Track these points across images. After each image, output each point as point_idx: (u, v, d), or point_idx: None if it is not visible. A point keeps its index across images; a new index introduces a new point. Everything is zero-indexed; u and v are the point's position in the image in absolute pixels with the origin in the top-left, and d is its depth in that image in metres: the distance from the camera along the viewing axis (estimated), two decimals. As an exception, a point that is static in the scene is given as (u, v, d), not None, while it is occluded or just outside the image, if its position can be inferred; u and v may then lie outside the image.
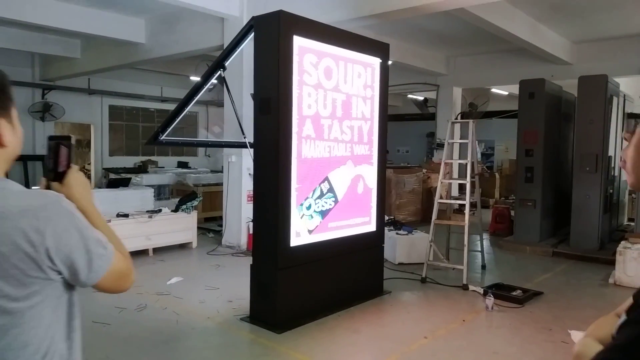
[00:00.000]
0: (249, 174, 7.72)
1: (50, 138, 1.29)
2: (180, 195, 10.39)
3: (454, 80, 12.82)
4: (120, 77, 14.12)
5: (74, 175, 1.26)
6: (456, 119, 13.36)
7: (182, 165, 15.58)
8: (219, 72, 5.27)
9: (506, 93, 15.71)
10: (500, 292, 5.57)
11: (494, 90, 14.48)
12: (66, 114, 13.40)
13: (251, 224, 7.60)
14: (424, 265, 6.20)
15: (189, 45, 8.69)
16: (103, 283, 1.18)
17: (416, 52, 11.49)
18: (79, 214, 1.16)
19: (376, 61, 5.39)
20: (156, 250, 7.31)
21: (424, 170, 11.73)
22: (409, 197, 10.94)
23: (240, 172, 7.72)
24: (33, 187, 1.38)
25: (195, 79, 13.28)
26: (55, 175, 1.27)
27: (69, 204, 1.15)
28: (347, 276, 5.15)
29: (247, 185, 7.73)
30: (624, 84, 9.42)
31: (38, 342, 1.10)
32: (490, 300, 5.13)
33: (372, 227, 5.49)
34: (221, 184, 10.97)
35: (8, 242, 1.03)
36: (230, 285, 5.88)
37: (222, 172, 13.35)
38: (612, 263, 7.23)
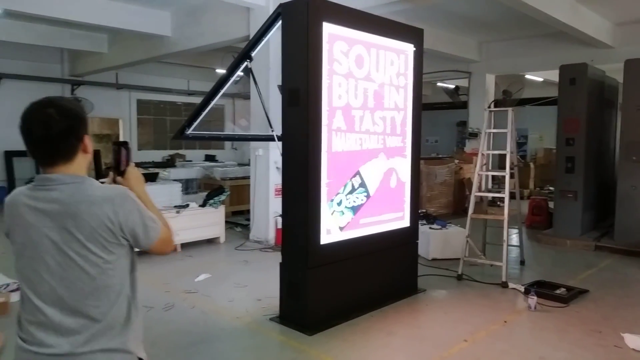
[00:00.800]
0: (277, 168, 7.56)
1: (114, 143, 1.82)
2: (208, 189, 10.31)
3: (486, 66, 12.35)
4: (147, 71, 14.15)
5: (132, 171, 1.83)
6: (489, 106, 12.90)
7: (210, 158, 15.57)
8: (246, 63, 5.07)
9: (541, 79, 15.10)
10: (543, 290, 5.27)
11: (528, 76, 13.92)
12: (95, 109, 13.50)
13: (279, 219, 7.49)
14: (459, 262, 5.92)
15: (215, 37, 8.54)
16: (155, 247, 1.72)
17: (447, 38, 11.09)
18: (138, 200, 1.68)
19: (409, 48, 5.11)
20: (184, 245, 7.23)
21: (456, 161, 11.36)
22: (440, 189, 10.61)
23: (267, 166, 7.56)
24: (101, 180, 1.77)
25: (222, 71, 13.18)
26: (118, 172, 1.81)
27: (132, 194, 1.68)
28: (380, 274, 4.93)
29: (275, 179, 7.58)
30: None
31: (114, 285, 1.64)
32: (533, 299, 4.84)
33: (405, 222, 5.24)
34: (248, 177, 10.86)
35: (97, 220, 1.58)
36: (259, 282, 5.73)
37: (249, 165, 13.32)
38: (661, 258, 6.87)
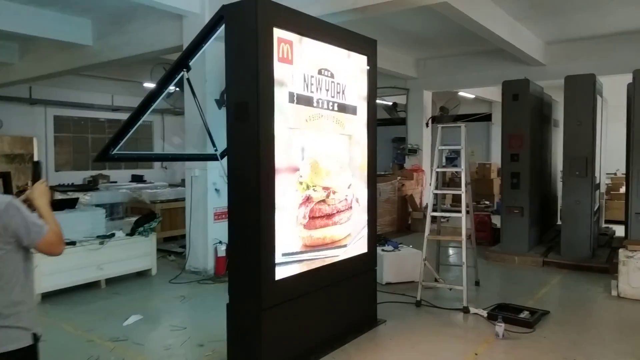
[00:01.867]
0: (216, 190, 6.91)
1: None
2: (136, 214, 9.39)
3: (424, 83, 12.38)
4: (66, 85, 12.94)
5: (37, 187, 2.35)
6: (427, 123, 12.98)
7: (137, 179, 14.46)
8: (182, 73, 4.45)
9: (473, 96, 15.50)
10: (506, 314, 5.00)
11: (461, 93, 14.20)
12: (4, 126, 12.10)
13: (219, 246, 6.83)
14: (415, 285, 5.57)
15: (143, 46, 7.79)
16: (40, 247, 2.18)
17: (386, 55, 10.93)
18: (23, 207, 2.18)
19: (363, 60, 4.74)
20: (110, 281, 6.35)
21: (398, 178, 11.19)
22: (384, 207, 10.35)
23: (205, 187, 6.88)
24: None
25: (150, 85, 12.28)
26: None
27: (18, 203, 2.17)
28: (339, 308, 4.44)
29: (214, 202, 6.93)
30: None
31: (7, 273, 2.15)
32: (500, 326, 4.53)
33: (363, 247, 4.80)
34: (181, 200, 10.04)
35: None
36: (200, 323, 5.05)
37: (181, 186, 12.42)
38: (605, 271, 6.92)
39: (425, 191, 12.70)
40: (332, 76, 4.30)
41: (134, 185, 11.88)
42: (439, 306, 5.46)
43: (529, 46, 9.47)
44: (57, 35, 8.16)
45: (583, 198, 7.17)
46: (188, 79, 4.58)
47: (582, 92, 7.10)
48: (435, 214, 5.77)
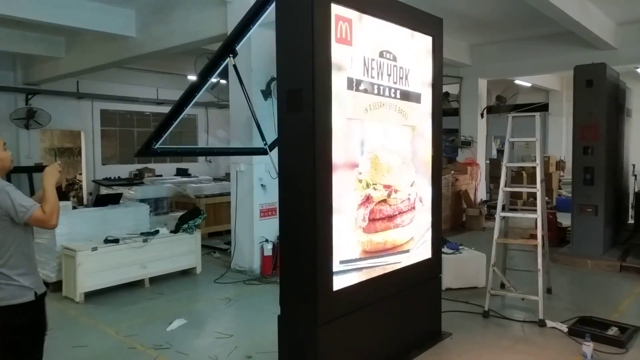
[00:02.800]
0: (262, 186, 6.54)
1: None
2: (180, 209, 9.21)
3: (479, 71, 11.62)
4: (112, 79, 12.93)
5: (47, 169, 2.77)
6: (482, 113, 12.21)
7: (182, 172, 14.36)
8: (228, 60, 4.06)
9: (529, 84, 14.54)
10: (592, 329, 4.39)
11: (517, 82, 13.31)
12: (54, 120, 12.20)
13: (265, 245, 6.47)
14: (479, 292, 5.02)
15: (187, 36, 7.49)
16: (31, 222, 2.62)
17: (439, 40, 10.30)
18: (15, 192, 2.60)
19: (428, 42, 4.21)
20: (154, 280, 6.11)
21: (452, 172, 10.53)
22: (437, 203, 9.73)
23: (251, 183, 6.52)
24: None
25: (194, 78, 12.13)
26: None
27: (10, 187, 2.60)
28: (401, 320, 3.97)
29: (260, 198, 6.57)
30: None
31: (7, 242, 2.61)
32: (589, 346, 3.92)
33: (427, 252, 4.30)
34: (226, 194, 9.81)
35: None
36: (247, 329, 4.69)
37: (225, 180, 12.20)
38: (696, 279, 6.14)
39: (480, 186, 11.99)
40: (394, 59, 3.80)
41: (179, 179, 11.74)
42: (510, 317, 4.89)
43: (599, 27, 8.62)
44: (100, 26, 7.99)
45: (669, 196, 6.38)
46: (235, 66, 4.19)
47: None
48: (505, 214, 5.18)
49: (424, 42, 4.18)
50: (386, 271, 3.80)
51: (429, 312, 4.38)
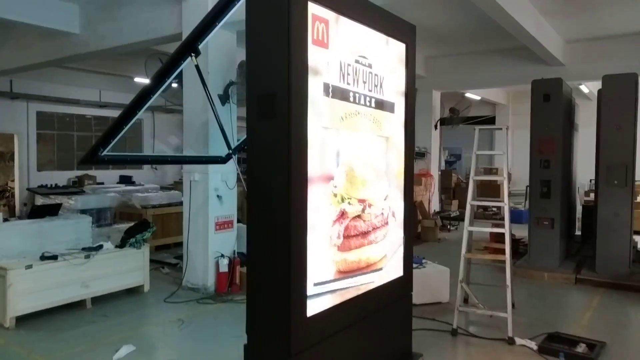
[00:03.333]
0: (217, 197, 6.14)
1: None
2: (125, 220, 8.60)
3: (433, 83, 11.72)
4: (50, 79, 12.05)
5: None
6: (435, 125, 12.33)
7: (125, 180, 13.59)
8: (189, 58, 3.69)
9: (479, 98, 14.90)
10: (561, 346, 4.33)
11: (467, 94, 13.59)
12: (-18, 122, 11.19)
13: (222, 260, 6.07)
14: (454, 312, 4.85)
15: (136, 35, 6.98)
16: None
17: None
18: None
19: (402, 49, 4.03)
20: (96, 300, 5.55)
21: (408, 183, 10.47)
22: (393, 214, 9.63)
23: (206, 193, 6.10)
24: None
25: (143, 80, 11.47)
26: None
27: None
28: (373, 344, 3.71)
29: (216, 209, 6.17)
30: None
31: None
32: (563, 366, 3.84)
33: (399, 270, 4.08)
34: (175, 205, 9.29)
35: None
36: (203, 355, 4.29)
37: (173, 188, 11.61)
38: (647, 291, 6.31)
39: (434, 197, 12.07)
40: (369, 66, 3.57)
41: (123, 187, 11.03)
42: (479, 335, 4.76)
43: (551, 44, 8.86)
44: (39, 20, 7.31)
45: (622, 210, 6.54)
46: (197, 66, 3.82)
47: (623, 93, 6.46)
48: (473, 228, 5.07)
49: (398, 49, 3.98)
50: (359, 292, 3.54)
51: (400, 332, 4.15)
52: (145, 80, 11.48)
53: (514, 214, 13.35)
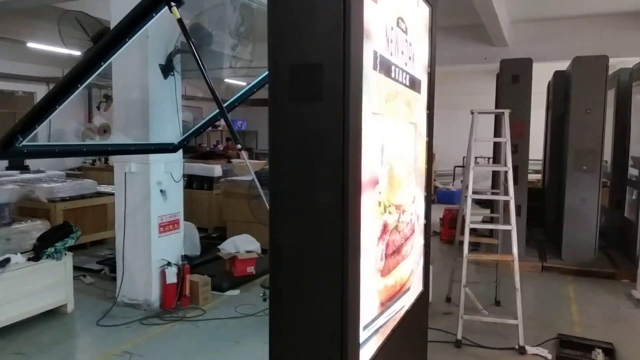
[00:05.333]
0: (161, 191, 5.02)
1: None
2: (27, 217, 7.03)
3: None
4: None
5: None
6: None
7: (18, 166, 11.47)
8: (164, 9, 2.60)
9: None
10: (576, 354, 3.94)
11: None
12: None
13: (167, 269, 4.99)
14: (458, 322, 4.28)
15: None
16: None
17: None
18: None
19: (426, 14, 3.25)
20: (6, 331, 4.25)
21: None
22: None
23: (147, 188, 4.95)
24: None
25: (38, 46, 9.56)
26: None
27: None
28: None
29: (159, 207, 5.05)
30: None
31: None
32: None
33: (419, 284, 3.38)
34: (88, 197, 7.87)
35: None
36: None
37: (81, 176, 9.95)
38: (612, 277, 6.29)
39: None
40: (406, 32, 2.76)
41: (20, 176, 9.17)
42: (486, 346, 4.24)
43: (503, 23, 8.59)
44: None
45: (589, 195, 6.41)
46: (180, 20, 2.73)
47: (594, 76, 6.26)
48: (476, 225, 4.51)
49: (424, 13, 3.21)
50: (395, 323, 2.79)
51: (417, 354, 3.49)
52: (42, 47, 9.64)
53: (446, 194, 13.42)
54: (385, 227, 2.53)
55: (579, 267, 6.41)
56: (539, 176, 10.12)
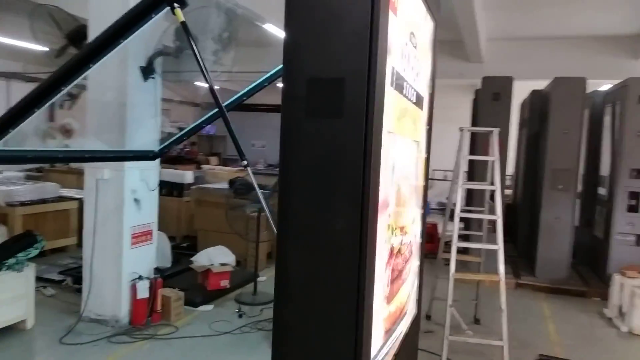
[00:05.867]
0: (135, 200, 4.75)
1: None
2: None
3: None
4: None
5: None
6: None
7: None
8: (165, 10, 2.40)
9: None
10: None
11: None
12: None
13: (139, 283, 4.71)
14: (443, 342, 4.20)
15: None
16: None
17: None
18: None
19: (431, 28, 3.16)
20: (-42, 352, 3.88)
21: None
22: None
23: (120, 197, 4.65)
24: None
25: (2, 39, 8.98)
26: None
27: None
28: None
29: (132, 218, 4.77)
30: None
31: None
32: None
33: (413, 307, 3.27)
34: (49, 201, 7.43)
35: None
36: None
37: (41, 178, 9.42)
38: (583, 295, 6.40)
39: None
40: (415, 47, 2.66)
41: (-27, 176, 8.57)
42: (472, 368, 4.18)
43: (482, 40, 8.70)
44: None
45: (564, 214, 6.51)
46: (184, 23, 2.52)
47: (572, 97, 6.38)
48: (464, 244, 4.46)
49: (430, 28, 3.12)
50: (395, 349, 2.66)
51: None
52: (7, 40, 9.07)
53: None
54: (392, 251, 2.41)
55: (552, 284, 6.49)
56: (508, 192, 10.28)
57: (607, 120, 7.03)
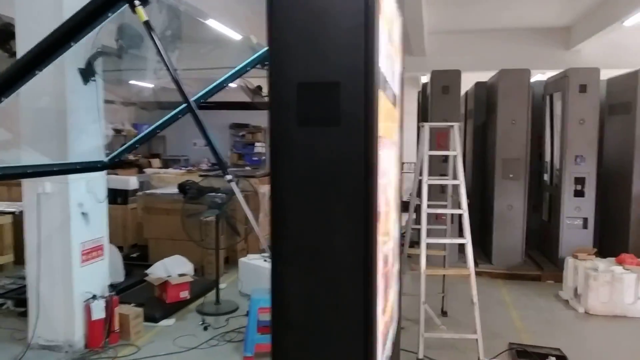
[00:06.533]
0: (82, 214, 4.39)
1: None
2: None
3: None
4: None
5: None
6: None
7: None
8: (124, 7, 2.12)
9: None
10: (533, 364, 4.01)
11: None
12: None
13: (95, 304, 4.36)
14: (419, 339, 4.17)
15: None
16: None
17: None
18: None
19: (400, 23, 3.07)
20: None
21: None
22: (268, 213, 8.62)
23: (65, 211, 4.28)
24: None
25: None
26: None
27: None
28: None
29: (81, 233, 4.40)
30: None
31: None
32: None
33: (395, 314, 3.19)
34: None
35: None
36: None
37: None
38: (538, 279, 6.64)
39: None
40: (392, 44, 2.55)
41: None
42: (448, 363, 4.18)
43: (425, 33, 8.80)
44: None
45: (516, 202, 6.71)
46: (147, 23, 2.25)
47: (518, 88, 6.56)
48: (432, 240, 4.44)
49: (399, 23, 3.02)
50: (388, 358, 2.56)
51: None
52: None
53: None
54: (386, 260, 2.30)
55: (508, 270, 6.69)
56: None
57: (548, 109, 7.32)
